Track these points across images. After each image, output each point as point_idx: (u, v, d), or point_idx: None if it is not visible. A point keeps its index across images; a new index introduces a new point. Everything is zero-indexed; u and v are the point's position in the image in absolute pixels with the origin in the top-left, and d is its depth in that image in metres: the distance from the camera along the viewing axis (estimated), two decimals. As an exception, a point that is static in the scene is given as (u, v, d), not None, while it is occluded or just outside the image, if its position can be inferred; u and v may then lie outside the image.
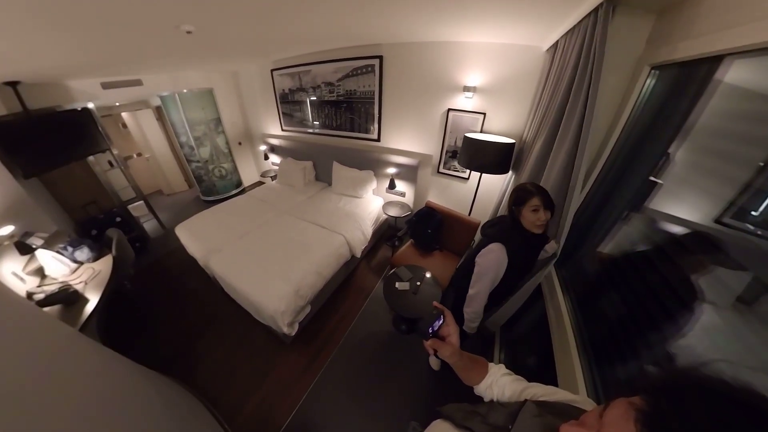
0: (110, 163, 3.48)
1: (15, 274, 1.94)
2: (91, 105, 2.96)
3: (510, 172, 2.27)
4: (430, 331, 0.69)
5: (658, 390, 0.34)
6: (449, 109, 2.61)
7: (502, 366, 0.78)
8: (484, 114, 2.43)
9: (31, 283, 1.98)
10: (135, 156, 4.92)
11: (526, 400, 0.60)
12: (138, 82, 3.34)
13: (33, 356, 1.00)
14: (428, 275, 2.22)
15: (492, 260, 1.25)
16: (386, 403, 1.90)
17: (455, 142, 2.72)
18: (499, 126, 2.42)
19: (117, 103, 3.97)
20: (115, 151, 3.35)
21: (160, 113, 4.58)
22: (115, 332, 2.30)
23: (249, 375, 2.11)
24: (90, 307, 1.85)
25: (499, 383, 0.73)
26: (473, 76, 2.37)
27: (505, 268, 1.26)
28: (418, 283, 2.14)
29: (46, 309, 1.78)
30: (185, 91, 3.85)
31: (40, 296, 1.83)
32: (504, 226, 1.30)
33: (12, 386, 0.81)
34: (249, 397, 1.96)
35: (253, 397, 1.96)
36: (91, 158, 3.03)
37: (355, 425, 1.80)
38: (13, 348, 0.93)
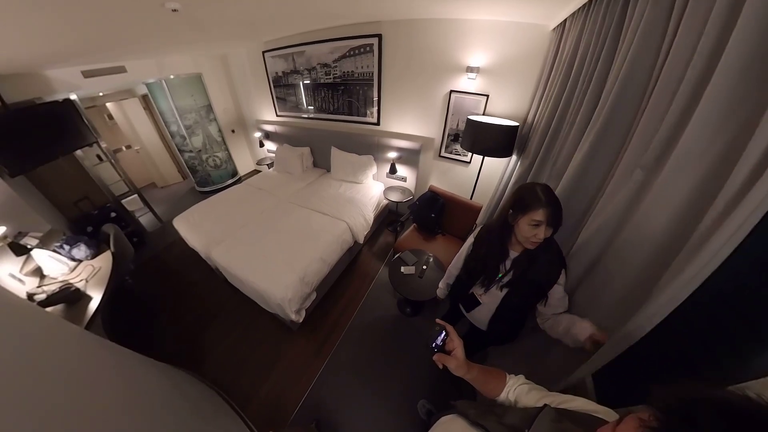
0: (99, 157, 3.35)
1: (13, 276, 1.89)
2: (73, 96, 2.81)
3: (514, 156, 2.23)
4: (434, 346, 0.71)
5: (669, 407, 0.33)
6: (451, 91, 2.52)
7: (522, 376, 0.77)
8: (487, 96, 2.36)
9: (31, 284, 1.93)
10: (124, 148, 4.74)
11: (545, 405, 0.59)
12: (121, 69, 3.16)
13: (44, 359, 0.98)
14: (432, 259, 2.23)
15: (468, 240, 1.28)
16: (395, 384, 1.95)
17: (457, 124, 2.66)
18: (503, 108, 2.36)
19: (100, 93, 3.78)
20: (103, 144, 3.23)
21: (147, 102, 4.39)
22: (121, 329, 2.30)
23: (259, 363, 2.14)
24: (94, 305, 1.82)
25: (516, 391, 0.73)
26: (477, 56, 2.28)
27: (469, 250, 1.25)
28: (424, 267, 2.16)
29: (48, 309, 1.74)
30: (172, 77, 3.67)
31: (41, 297, 1.79)
32: (498, 220, 1.10)
33: (26, 394, 0.78)
34: (261, 384, 1.99)
35: (265, 383, 2.00)
36: (78, 153, 2.91)
37: (366, 405, 1.85)
38: (20, 353, 0.90)
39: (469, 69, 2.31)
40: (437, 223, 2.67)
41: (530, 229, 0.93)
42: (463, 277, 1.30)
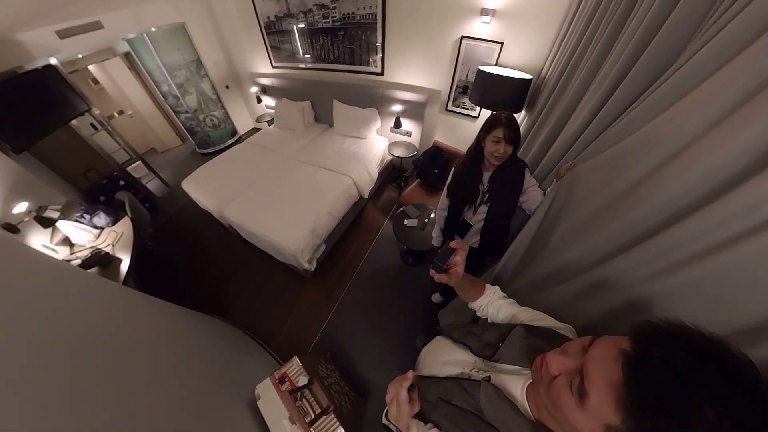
0: (93, 126, 3.25)
1: (46, 247, 2.01)
2: (53, 60, 2.61)
3: (523, 112, 2.12)
4: (445, 267, 0.73)
5: (648, 337, 0.35)
6: (463, 37, 2.28)
7: (498, 289, 0.85)
8: (502, 43, 2.13)
9: (63, 252, 2.06)
10: (116, 115, 4.52)
11: (516, 324, 0.68)
12: (98, 25, 2.90)
13: (100, 309, 1.11)
14: (434, 213, 2.31)
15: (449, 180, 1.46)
16: (397, 323, 2.23)
17: (467, 76, 2.46)
18: (517, 59, 2.14)
19: (80, 55, 3.48)
20: (96, 111, 3.12)
21: (131, 61, 4.09)
22: (152, 287, 2.48)
23: (278, 307, 2.40)
24: (124, 266, 1.98)
25: (494, 305, 0.81)
26: (493, -5, 1.97)
27: (449, 186, 1.44)
28: (426, 221, 2.28)
29: (86, 273, 1.89)
30: (153, 29, 3.37)
31: (77, 262, 1.94)
32: (473, 145, 1.33)
33: (90, 334, 0.91)
34: (281, 325, 2.28)
35: (284, 324, 2.28)
36: (74, 123, 2.83)
37: (372, 340, 2.14)
38: (78, 305, 1.03)
39: (484, 11, 2.04)
40: (440, 178, 2.69)
41: (493, 145, 1.18)
42: (450, 208, 1.48)
